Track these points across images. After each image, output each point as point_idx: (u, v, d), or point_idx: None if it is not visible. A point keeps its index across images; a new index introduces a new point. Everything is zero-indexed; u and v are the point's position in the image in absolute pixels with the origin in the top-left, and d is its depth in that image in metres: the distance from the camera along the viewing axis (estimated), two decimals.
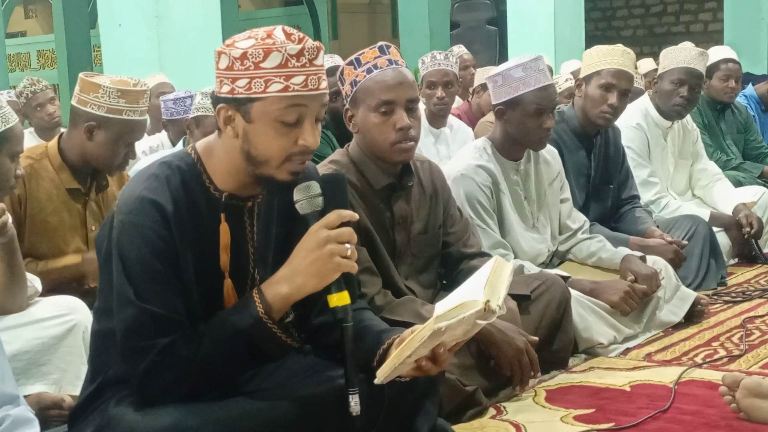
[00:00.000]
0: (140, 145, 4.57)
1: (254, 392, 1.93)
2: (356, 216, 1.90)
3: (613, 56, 3.87)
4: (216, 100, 1.90)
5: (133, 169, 3.61)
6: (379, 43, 2.67)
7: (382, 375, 1.86)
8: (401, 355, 1.82)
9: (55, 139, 3.07)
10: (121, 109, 2.91)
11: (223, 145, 1.93)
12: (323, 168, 2.62)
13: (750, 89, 6.23)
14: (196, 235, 1.90)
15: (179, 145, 3.77)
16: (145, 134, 5.09)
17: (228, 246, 1.95)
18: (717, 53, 5.54)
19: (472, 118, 5.37)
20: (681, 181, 4.70)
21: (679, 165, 4.67)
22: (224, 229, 1.94)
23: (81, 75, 2.99)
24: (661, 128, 4.54)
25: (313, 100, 1.85)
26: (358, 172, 2.67)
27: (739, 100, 5.86)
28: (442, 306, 1.88)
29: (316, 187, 1.89)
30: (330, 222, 1.86)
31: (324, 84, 1.87)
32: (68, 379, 2.65)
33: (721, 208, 4.50)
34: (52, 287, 2.79)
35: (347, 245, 1.85)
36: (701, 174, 4.73)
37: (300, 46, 1.82)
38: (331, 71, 4.05)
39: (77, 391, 2.64)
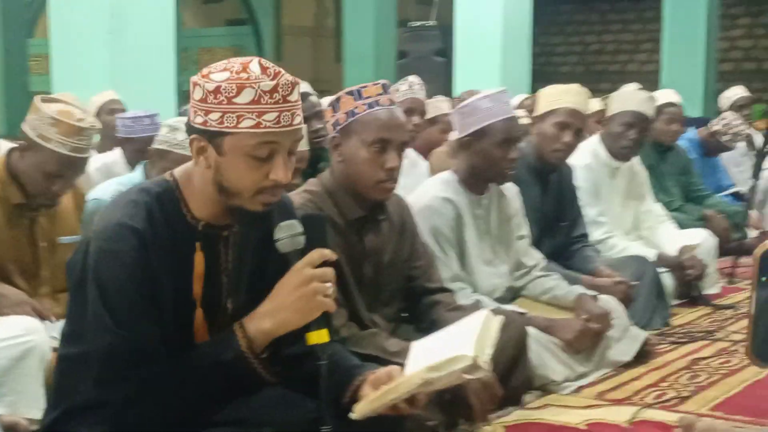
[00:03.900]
0: (93, 162, 4.52)
1: (228, 423, 1.93)
2: (336, 256, 1.92)
3: (568, 95, 3.95)
4: (189, 129, 1.90)
5: (94, 190, 3.56)
6: (382, 81, 2.70)
7: (361, 412, 1.88)
8: (386, 397, 1.85)
9: (4, 154, 3.01)
10: (50, 138, 2.82)
11: (198, 173, 1.92)
12: (297, 196, 2.62)
13: (693, 133, 6.39)
14: (172, 262, 1.89)
15: (138, 168, 3.73)
16: (95, 152, 5.05)
17: (202, 275, 1.95)
18: (661, 97, 5.69)
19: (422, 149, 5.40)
20: (627, 221, 4.78)
21: (626, 205, 4.76)
22: (199, 258, 1.94)
23: (36, 97, 2.95)
24: (610, 168, 4.63)
25: (285, 137, 1.85)
26: (332, 202, 2.68)
27: (682, 143, 6.01)
28: (426, 349, 1.91)
29: (297, 226, 1.89)
30: (313, 260, 1.87)
31: (298, 120, 1.86)
32: (24, 402, 2.61)
33: (665, 250, 4.60)
34: None
35: (329, 284, 1.87)
36: (647, 215, 4.84)
37: (274, 82, 1.81)
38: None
39: (32, 414, 2.61)
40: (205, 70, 1.87)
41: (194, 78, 1.87)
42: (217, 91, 1.81)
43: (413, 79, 5.27)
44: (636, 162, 4.80)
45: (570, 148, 3.92)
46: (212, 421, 1.92)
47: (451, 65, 8.47)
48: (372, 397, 1.88)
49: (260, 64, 1.84)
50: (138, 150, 4.32)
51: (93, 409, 1.89)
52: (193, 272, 1.93)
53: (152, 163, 3.49)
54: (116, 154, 4.69)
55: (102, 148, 5.09)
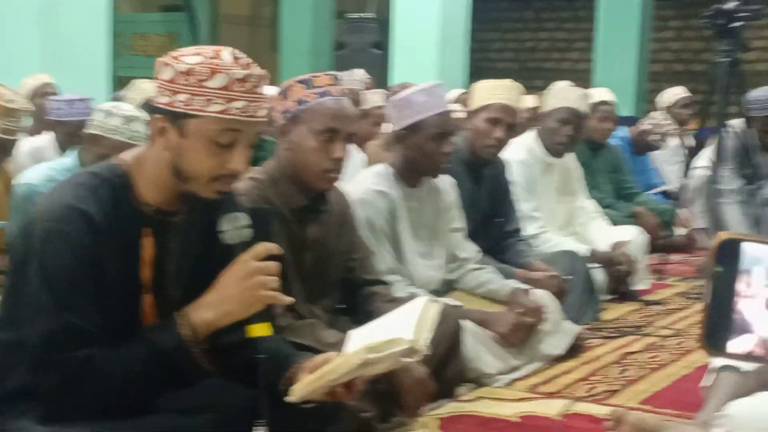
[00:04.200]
0: (23, 145, 4.44)
1: (165, 409, 1.92)
2: (281, 250, 1.93)
3: (500, 91, 3.97)
4: (152, 109, 1.90)
5: (25, 174, 3.49)
6: (333, 72, 2.70)
7: (297, 393, 1.88)
8: (324, 378, 1.84)
9: None
10: None
11: (153, 156, 1.91)
12: (241, 183, 2.59)
13: (624, 131, 6.49)
14: (120, 247, 1.88)
15: (70, 153, 3.65)
16: (26, 135, 4.94)
17: (150, 261, 1.94)
18: (595, 95, 5.77)
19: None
20: (560, 216, 4.84)
21: (560, 201, 4.82)
22: (148, 243, 1.93)
23: None
24: (545, 164, 4.67)
25: (249, 127, 1.86)
26: (276, 191, 2.67)
27: (612, 141, 6.10)
28: (364, 336, 1.90)
29: (243, 219, 1.90)
30: (258, 253, 1.88)
31: (262, 112, 1.88)
32: None
33: (597, 245, 4.67)
34: None
35: (273, 278, 1.87)
36: (580, 211, 4.90)
37: (246, 72, 1.83)
38: None
39: None
40: (175, 53, 1.88)
41: (163, 58, 1.88)
42: (188, 72, 1.81)
43: (357, 71, 5.26)
44: (570, 158, 4.86)
45: (501, 143, 3.95)
46: (149, 408, 1.91)
47: (388, 58, 8.49)
48: (309, 379, 1.88)
49: (232, 53, 1.86)
50: (70, 134, 4.24)
51: (27, 395, 1.87)
52: (142, 257, 1.93)
53: (85, 148, 3.43)
54: (47, 138, 4.60)
55: (33, 132, 5.00)
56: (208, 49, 1.86)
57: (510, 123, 3.92)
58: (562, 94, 4.67)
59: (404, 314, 1.92)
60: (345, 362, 1.83)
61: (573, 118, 4.55)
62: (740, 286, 0.85)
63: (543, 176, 4.67)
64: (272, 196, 2.64)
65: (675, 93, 7.47)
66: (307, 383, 1.87)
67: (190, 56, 1.84)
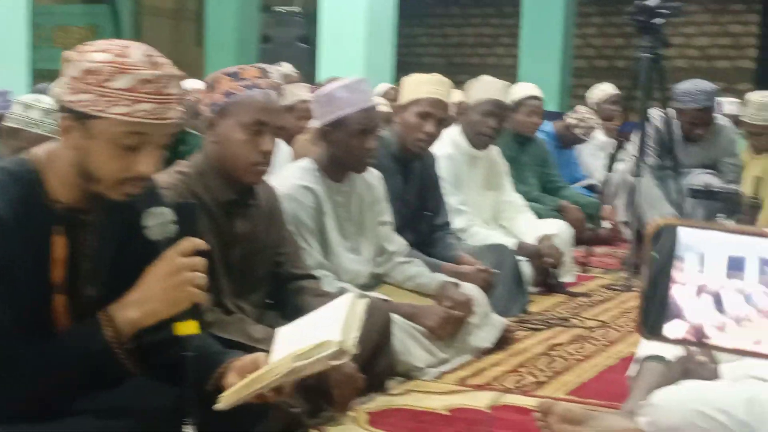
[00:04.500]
0: None
1: (86, 411, 1.86)
2: (208, 246, 1.88)
3: (431, 85, 3.98)
4: (60, 107, 1.83)
5: None
6: (261, 65, 2.67)
7: (227, 401, 1.85)
8: (252, 386, 1.82)
9: None
10: None
11: (63, 154, 1.85)
12: (168, 177, 2.54)
13: (549, 125, 6.56)
14: (29, 246, 1.81)
15: None
16: None
17: (61, 260, 1.87)
18: (522, 89, 5.83)
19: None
20: (486, 210, 4.87)
21: (486, 195, 4.85)
22: (60, 242, 1.86)
23: None
24: (471, 158, 4.69)
25: (157, 129, 1.79)
26: (204, 184, 2.63)
27: (538, 135, 6.16)
28: (292, 335, 1.89)
29: (168, 214, 1.84)
30: (184, 249, 1.82)
31: (172, 113, 1.81)
32: None
33: (524, 239, 4.71)
34: None
35: (199, 274, 1.83)
36: (507, 205, 4.94)
37: (153, 72, 1.75)
38: None
39: None
40: (83, 48, 1.80)
41: (70, 54, 1.79)
42: (93, 71, 1.74)
43: (286, 65, 5.21)
44: (495, 152, 4.89)
45: (432, 137, 3.96)
46: (70, 410, 1.85)
47: (315, 52, 8.44)
48: (238, 387, 1.85)
49: (142, 52, 1.77)
50: None
51: None
52: (53, 257, 1.86)
53: (4, 142, 3.34)
54: None
55: None
56: (118, 46, 1.77)
57: (440, 117, 3.93)
58: (485, 87, 4.69)
59: (331, 312, 1.90)
60: (273, 370, 1.81)
61: (496, 110, 4.58)
62: (674, 272, 0.86)
63: (469, 170, 4.69)
64: (199, 190, 2.60)
65: (604, 90, 7.57)
66: (234, 391, 1.85)
67: (96, 53, 1.75)
